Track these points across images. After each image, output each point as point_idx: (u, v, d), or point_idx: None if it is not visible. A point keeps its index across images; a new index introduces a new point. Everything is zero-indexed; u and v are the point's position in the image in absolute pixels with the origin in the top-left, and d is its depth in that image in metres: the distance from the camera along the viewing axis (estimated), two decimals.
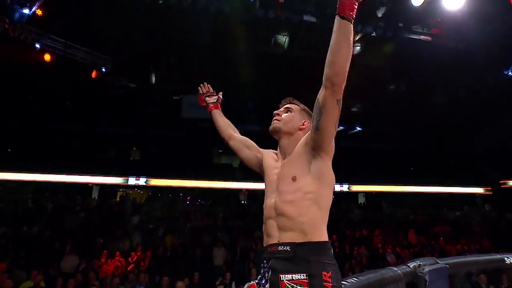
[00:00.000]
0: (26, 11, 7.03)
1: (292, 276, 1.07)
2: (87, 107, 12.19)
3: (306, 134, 1.29)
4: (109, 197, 13.69)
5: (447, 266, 1.92)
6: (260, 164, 1.47)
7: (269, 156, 1.46)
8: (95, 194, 13.64)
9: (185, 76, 10.79)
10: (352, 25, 1.08)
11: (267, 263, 1.19)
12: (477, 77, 10.83)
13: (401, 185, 14.55)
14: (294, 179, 1.21)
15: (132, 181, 13.05)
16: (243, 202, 14.28)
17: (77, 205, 10.28)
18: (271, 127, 1.40)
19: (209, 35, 9.45)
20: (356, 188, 14.31)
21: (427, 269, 1.76)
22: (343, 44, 1.07)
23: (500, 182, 14.61)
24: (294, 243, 1.13)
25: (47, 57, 8.37)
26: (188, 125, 13.42)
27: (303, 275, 1.06)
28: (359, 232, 9.83)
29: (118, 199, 13.66)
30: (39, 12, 7.12)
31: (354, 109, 12.78)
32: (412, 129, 13.95)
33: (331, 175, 1.25)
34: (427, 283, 1.72)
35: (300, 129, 1.37)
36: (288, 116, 1.39)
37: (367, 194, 15.94)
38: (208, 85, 1.86)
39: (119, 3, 7.83)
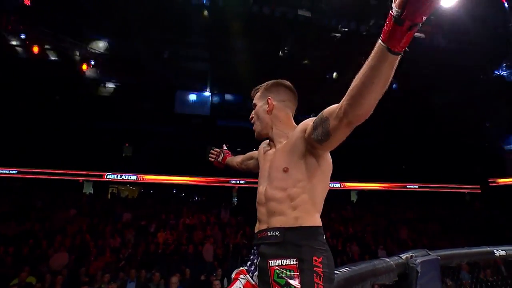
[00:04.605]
0: None
1: (281, 262, 1.04)
2: (78, 102, 11.98)
3: (305, 122, 1.15)
4: (101, 193, 13.51)
5: (439, 257, 1.91)
6: None
7: (262, 147, 1.41)
8: (86, 190, 13.45)
9: (178, 71, 10.67)
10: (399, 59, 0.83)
11: (256, 249, 1.16)
12: (469, 76, 10.95)
13: (391, 183, 14.71)
14: (285, 170, 1.15)
15: (124, 177, 12.91)
16: (235, 199, 14.25)
17: (67, 201, 10.11)
18: (255, 135, 1.36)
19: (203, 31, 9.35)
20: (348, 185, 14.40)
21: (419, 260, 1.75)
22: (381, 82, 0.85)
23: (489, 180, 14.87)
24: (284, 227, 1.09)
25: (35, 49, 8.16)
26: (181, 120, 13.30)
27: (293, 260, 1.03)
28: (352, 229, 9.90)
29: (109, 195, 13.48)
30: (26, 1, 6.90)
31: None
32: (403, 126, 14.07)
33: (327, 163, 1.17)
34: (419, 274, 1.71)
35: (269, 111, 1.30)
36: (256, 115, 1.33)
37: (359, 192, 16.04)
38: (214, 149, 1.95)
39: None
